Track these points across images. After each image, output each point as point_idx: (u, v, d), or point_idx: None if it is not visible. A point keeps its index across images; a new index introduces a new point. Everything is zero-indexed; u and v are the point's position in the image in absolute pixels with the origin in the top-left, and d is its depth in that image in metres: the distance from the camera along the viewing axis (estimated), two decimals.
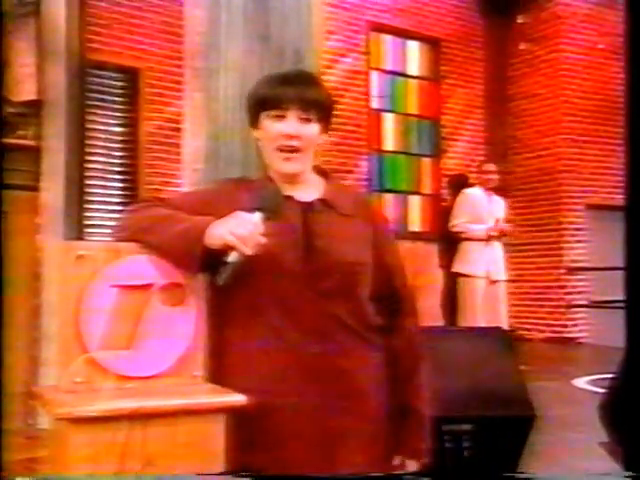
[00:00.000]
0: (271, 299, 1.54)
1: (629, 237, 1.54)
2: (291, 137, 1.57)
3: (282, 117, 1.58)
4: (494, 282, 5.98)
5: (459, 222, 6.06)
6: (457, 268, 6.08)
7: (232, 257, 1.43)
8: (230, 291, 1.50)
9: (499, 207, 6.14)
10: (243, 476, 1.46)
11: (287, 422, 1.52)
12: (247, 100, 1.67)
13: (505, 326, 5.80)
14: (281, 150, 1.58)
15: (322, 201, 1.62)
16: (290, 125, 1.57)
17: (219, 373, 1.53)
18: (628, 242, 1.54)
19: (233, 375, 1.51)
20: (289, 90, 1.58)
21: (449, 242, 6.66)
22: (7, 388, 1.87)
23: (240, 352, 1.55)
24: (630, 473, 1.42)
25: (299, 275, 1.53)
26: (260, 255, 1.44)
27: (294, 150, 1.58)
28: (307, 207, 1.60)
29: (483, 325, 5.62)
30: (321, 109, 1.61)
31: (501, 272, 6.04)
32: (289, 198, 1.59)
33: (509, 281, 6.26)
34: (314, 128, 1.60)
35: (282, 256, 1.53)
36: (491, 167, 6.20)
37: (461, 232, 6.05)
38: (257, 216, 1.46)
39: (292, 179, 1.62)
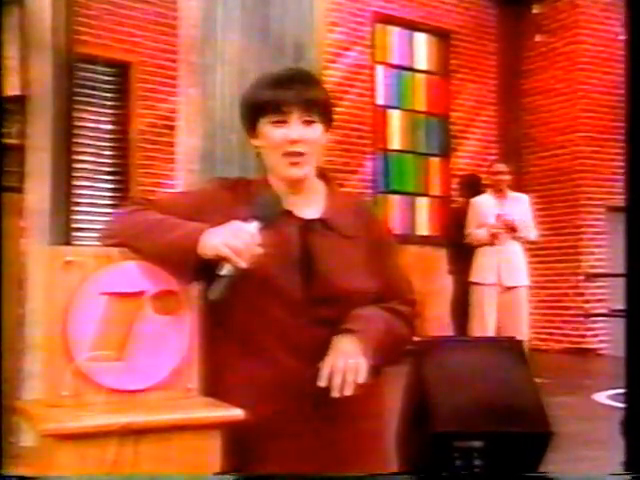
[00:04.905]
0: (265, 321, 1.55)
1: (630, 239, 1.55)
2: (295, 142, 1.57)
3: (284, 122, 1.58)
4: (509, 289, 5.98)
5: (469, 231, 6.15)
6: (470, 277, 6.13)
7: (226, 270, 1.43)
8: (225, 306, 1.50)
9: (518, 206, 6.13)
10: (241, 477, 1.47)
11: (281, 446, 1.54)
12: (242, 107, 1.66)
13: (523, 337, 5.81)
14: (287, 156, 1.59)
15: (322, 221, 1.62)
16: (294, 130, 1.58)
17: (213, 390, 1.54)
18: (629, 245, 1.55)
19: (227, 393, 1.52)
20: (288, 92, 1.58)
21: (459, 248, 6.69)
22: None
23: (235, 371, 1.56)
24: (630, 473, 1.43)
25: (295, 300, 1.54)
26: (255, 274, 1.44)
27: (300, 155, 1.58)
28: (306, 227, 1.60)
29: (495, 335, 5.63)
30: (323, 108, 1.62)
31: (518, 278, 6.01)
32: (288, 213, 1.60)
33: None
34: (318, 129, 1.61)
35: (277, 278, 1.54)
36: (502, 167, 6.24)
37: (471, 241, 6.11)
38: (254, 226, 1.46)
39: (295, 185, 1.63)
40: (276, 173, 1.63)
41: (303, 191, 1.64)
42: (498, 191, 6.15)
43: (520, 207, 6.14)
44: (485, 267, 6.01)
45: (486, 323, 5.93)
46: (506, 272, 5.97)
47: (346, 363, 1.49)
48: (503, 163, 6.39)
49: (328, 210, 1.65)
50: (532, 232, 6.13)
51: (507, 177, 6.18)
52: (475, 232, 6.08)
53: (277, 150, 1.59)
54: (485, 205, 6.15)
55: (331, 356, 1.51)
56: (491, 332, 5.86)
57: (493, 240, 5.95)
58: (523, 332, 5.83)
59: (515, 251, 6.03)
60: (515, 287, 5.99)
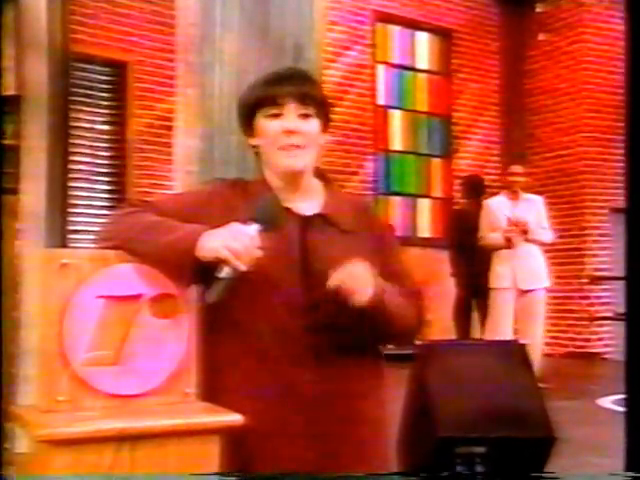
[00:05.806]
0: (265, 321, 1.55)
1: (629, 242, 1.55)
2: (291, 133, 1.58)
3: (279, 115, 1.59)
4: (526, 292, 5.97)
5: (482, 234, 6.14)
6: (489, 283, 6.14)
7: (225, 273, 1.43)
8: (223, 308, 1.50)
9: (531, 207, 6.13)
10: (240, 476, 1.48)
11: (282, 449, 1.54)
12: (239, 107, 1.68)
13: (540, 340, 5.84)
14: (283, 149, 1.59)
15: (322, 217, 1.63)
16: (289, 121, 1.59)
17: (211, 394, 1.54)
18: (629, 247, 1.55)
19: (226, 396, 1.52)
20: (284, 86, 1.60)
21: (461, 250, 6.70)
22: None
23: (234, 373, 1.57)
24: (630, 473, 1.44)
25: (295, 298, 1.55)
26: (254, 273, 1.45)
27: (296, 147, 1.59)
28: (306, 223, 1.61)
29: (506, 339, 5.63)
30: (319, 104, 1.63)
31: (534, 280, 6.00)
32: (287, 210, 1.60)
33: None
34: (314, 124, 1.62)
35: (277, 276, 1.54)
36: (517, 169, 6.26)
37: (485, 244, 6.11)
38: (253, 228, 1.46)
39: (293, 181, 1.63)
40: (273, 167, 1.63)
41: (301, 188, 1.65)
42: (512, 193, 6.16)
43: (534, 209, 6.14)
44: (500, 271, 6.01)
45: (499, 327, 5.92)
46: (522, 275, 5.96)
47: (359, 270, 1.48)
48: (519, 165, 6.39)
49: (327, 205, 1.65)
50: (547, 234, 6.13)
51: (522, 179, 6.19)
52: (489, 236, 6.07)
53: (273, 144, 1.60)
54: (498, 207, 6.15)
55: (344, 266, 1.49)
56: (506, 336, 5.84)
57: (509, 244, 5.94)
58: (540, 335, 5.85)
59: (531, 253, 6.02)
60: (532, 290, 5.99)
